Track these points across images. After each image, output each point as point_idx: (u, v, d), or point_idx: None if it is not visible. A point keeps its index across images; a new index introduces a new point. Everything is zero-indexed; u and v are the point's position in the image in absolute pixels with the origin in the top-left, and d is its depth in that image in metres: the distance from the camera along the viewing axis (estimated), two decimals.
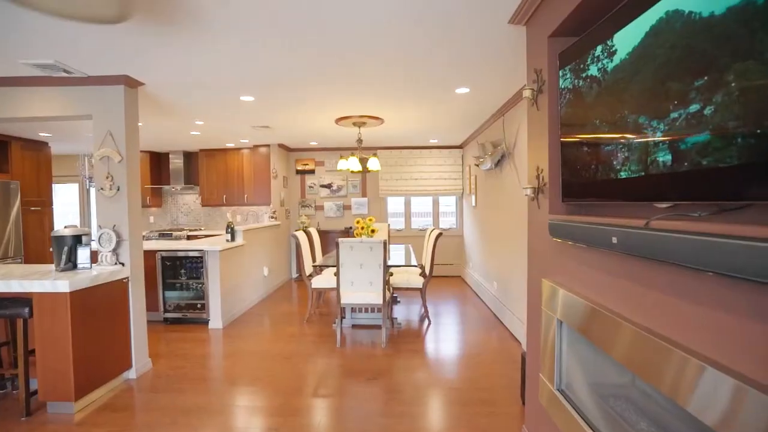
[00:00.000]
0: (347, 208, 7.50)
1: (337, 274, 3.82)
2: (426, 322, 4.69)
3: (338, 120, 4.85)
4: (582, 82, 1.57)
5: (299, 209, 7.58)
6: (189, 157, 7.50)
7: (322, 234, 7.23)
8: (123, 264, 3.17)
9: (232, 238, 5.05)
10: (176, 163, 7.40)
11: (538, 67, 2.01)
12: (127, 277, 3.19)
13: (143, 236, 6.98)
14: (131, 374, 3.21)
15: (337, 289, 3.85)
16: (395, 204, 7.65)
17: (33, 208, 6.16)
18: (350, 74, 3.18)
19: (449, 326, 4.56)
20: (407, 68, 3.05)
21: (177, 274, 4.70)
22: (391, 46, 2.62)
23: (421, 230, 7.45)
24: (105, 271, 2.98)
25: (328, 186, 7.52)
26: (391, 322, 4.44)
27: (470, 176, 6.53)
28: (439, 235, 4.56)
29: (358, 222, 4.87)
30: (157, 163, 7.56)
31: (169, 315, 4.70)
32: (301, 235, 4.83)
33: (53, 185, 8.05)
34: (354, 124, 4.97)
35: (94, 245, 3.17)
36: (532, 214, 2.24)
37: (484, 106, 4.30)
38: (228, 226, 5.03)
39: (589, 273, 1.57)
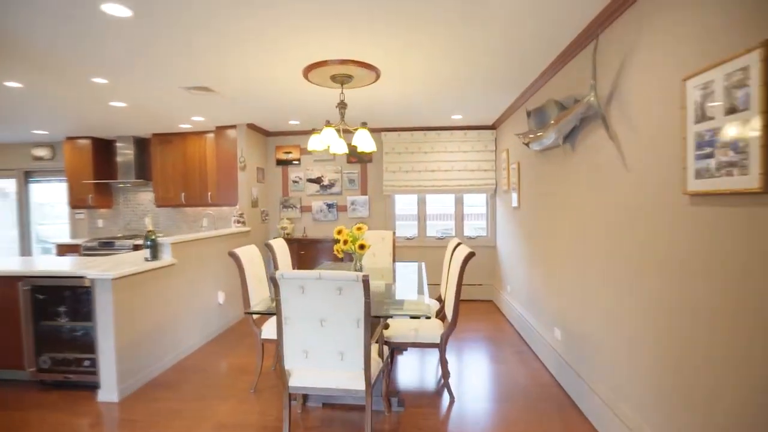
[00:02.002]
0: (342, 209, 5.72)
1: (278, 334, 2.04)
2: (446, 397, 2.86)
3: (309, 70, 3.09)
4: None
5: (280, 210, 5.86)
6: (141, 144, 5.89)
7: (308, 244, 5.47)
8: None
9: (154, 256, 3.35)
10: (125, 152, 5.79)
11: None
12: None
13: (81, 245, 5.42)
14: None
15: (280, 362, 2.08)
16: (405, 204, 5.83)
17: None
18: None
19: (484, 406, 2.72)
20: None
21: (56, 312, 3.03)
22: None
23: (439, 239, 5.60)
24: None
25: (317, 180, 5.76)
26: (386, 401, 2.64)
27: (508, 166, 4.65)
28: (470, 256, 2.71)
29: (339, 232, 3.09)
30: (105, 152, 5.98)
31: (45, 375, 3.04)
32: (247, 252, 3.08)
33: None
34: (333, 79, 3.20)
35: None
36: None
37: (551, 26, 2.44)
38: (147, 238, 3.34)
39: None
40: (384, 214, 5.64)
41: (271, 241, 3.57)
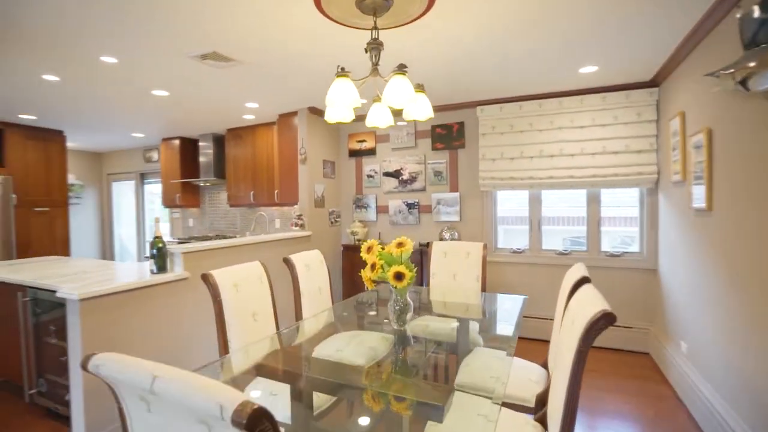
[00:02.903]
0: (425, 210, 4.47)
1: None
2: None
3: None
4: None
5: (353, 211, 4.90)
6: (219, 142, 5.62)
7: None
8: None
9: (161, 267, 2.68)
10: (206, 151, 5.59)
11: None
12: None
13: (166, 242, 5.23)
14: None
15: None
16: (511, 203, 4.27)
17: (38, 209, 5.02)
18: None
19: None
20: None
21: (49, 329, 2.56)
22: None
23: (562, 254, 3.89)
24: None
25: (396, 174, 4.62)
26: None
27: (683, 140, 2.77)
28: (604, 321, 1.21)
29: (368, 250, 1.91)
30: (191, 151, 5.91)
31: (42, 400, 2.60)
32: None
33: (113, 183, 7.32)
34: (361, 7, 2.00)
35: None
36: None
37: None
38: (153, 245, 2.68)
39: None
40: (480, 218, 4.18)
41: (298, 255, 2.56)
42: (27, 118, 4.58)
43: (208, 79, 3.29)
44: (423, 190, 4.46)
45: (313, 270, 2.61)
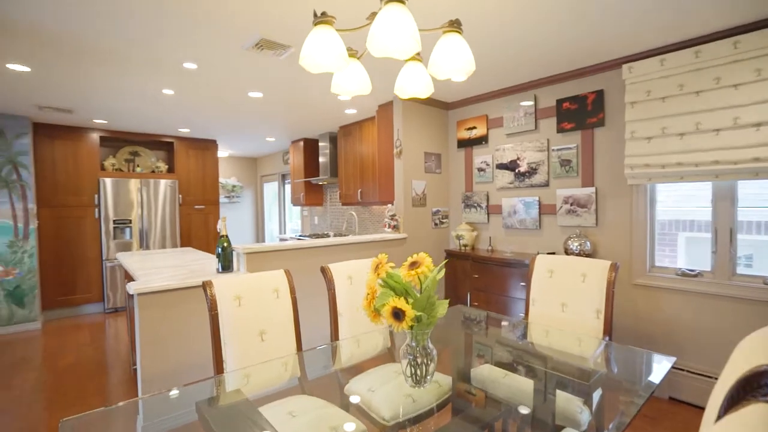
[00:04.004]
0: (548, 210, 3.46)
1: None
2: None
3: None
4: None
5: (462, 211, 4.20)
6: (335, 141, 5.65)
7: (487, 265, 3.58)
8: None
9: (225, 267, 2.65)
10: (325, 151, 5.71)
11: None
12: None
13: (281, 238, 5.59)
14: None
15: None
16: (678, 200, 2.89)
17: (196, 207, 5.97)
18: None
19: None
20: None
21: None
22: None
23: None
24: None
25: (511, 165, 3.73)
26: None
27: None
28: None
29: (376, 268, 1.34)
30: (313, 151, 6.15)
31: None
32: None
33: (264, 184, 8.29)
34: None
35: None
36: None
37: None
38: (219, 244, 2.66)
39: None
40: (628, 221, 2.98)
41: (340, 264, 2.14)
42: (184, 131, 5.44)
43: (291, 74, 3.16)
44: (545, 185, 3.46)
45: (359, 283, 2.14)
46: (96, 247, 5.09)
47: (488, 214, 3.93)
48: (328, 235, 5.48)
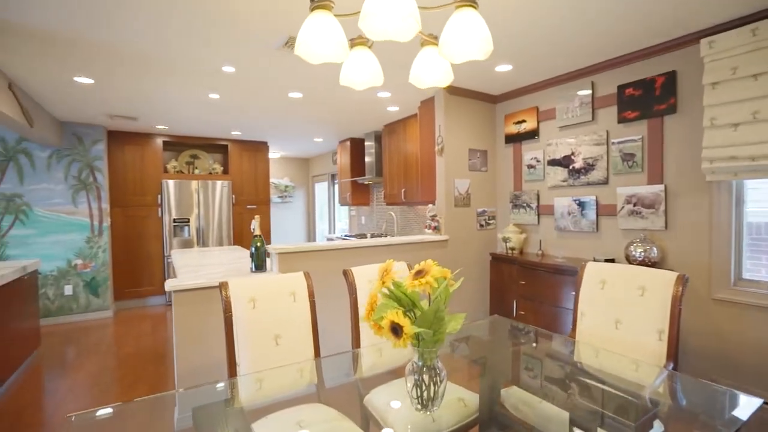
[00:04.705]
0: (607, 211, 3.07)
1: None
2: None
3: None
4: None
5: (510, 212, 3.89)
6: (380, 140, 5.56)
7: (536, 271, 3.28)
8: None
9: (258, 267, 2.66)
10: (371, 150, 5.65)
11: None
12: None
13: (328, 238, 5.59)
14: None
15: None
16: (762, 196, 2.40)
17: (249, 206, 6.22)
18: None
19: None
20: None
21: None
22: None
23: None
24: None
25: (565, 161, 3.38)
26: None
27: None
28: None
29: (384, 274, 1.21)
30: (359, 151, 6.11)
31: None
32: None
33: (315, 184, 8.45)
34: None
35: None
36: None
37: None
38: (252, 244, 2.68)
39: None
40: (707, 225, 2.53)
41: (362, 268, 2.03)
42: (236, 133, 5.67)
43: (327, 72, 3.11)
44: (604, 182, 3.08)
45: None
46: (159, 244, 5.48)
47: (538, 214, 3.60)
48: (365, 236, 5.41)
